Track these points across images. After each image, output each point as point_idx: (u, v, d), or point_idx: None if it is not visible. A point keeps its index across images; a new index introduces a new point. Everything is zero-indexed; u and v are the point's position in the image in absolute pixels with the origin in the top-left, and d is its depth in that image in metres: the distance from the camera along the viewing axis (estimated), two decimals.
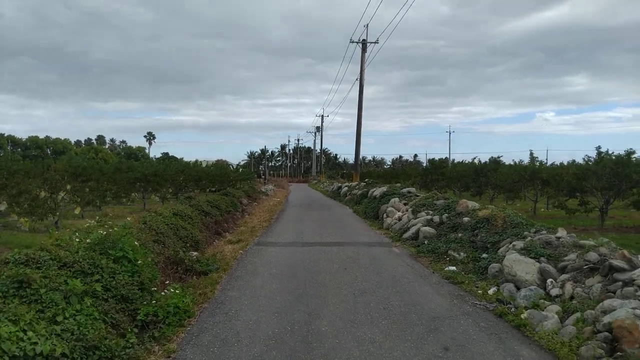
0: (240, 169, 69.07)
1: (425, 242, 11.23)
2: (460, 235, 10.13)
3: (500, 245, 8.78)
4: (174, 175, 33.70)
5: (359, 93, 32.16)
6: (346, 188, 32.05)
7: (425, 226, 12.00)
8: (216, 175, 39.14)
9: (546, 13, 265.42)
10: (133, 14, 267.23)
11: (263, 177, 69.19)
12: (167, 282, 7.13)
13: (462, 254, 9.38)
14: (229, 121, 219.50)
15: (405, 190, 17.35)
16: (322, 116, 73.01)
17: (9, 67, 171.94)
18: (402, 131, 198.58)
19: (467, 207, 11.28)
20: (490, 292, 7.15)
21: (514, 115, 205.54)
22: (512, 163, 28.02)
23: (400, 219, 14.50)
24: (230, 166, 67.84)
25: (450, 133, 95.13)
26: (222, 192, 21.37)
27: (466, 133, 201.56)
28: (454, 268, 8.84)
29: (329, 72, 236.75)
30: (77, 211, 17.97)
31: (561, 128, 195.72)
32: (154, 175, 28.53)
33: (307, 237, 13.17)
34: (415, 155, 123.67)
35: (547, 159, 29.29)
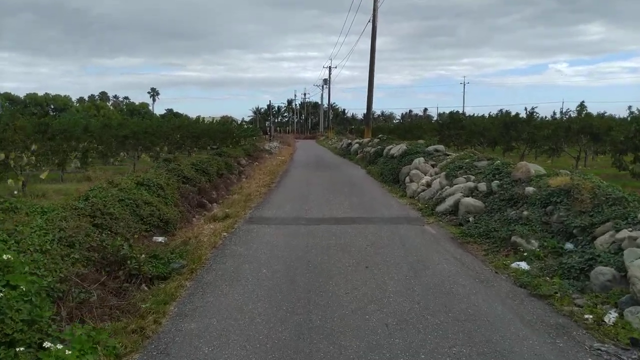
0: (245, 125, 66.03)
1: (470, 219, 8.42)
2: (525, 212, 7.27)
3: (596, 231, 5.95)
4: (170, 132, 30.94)
5: (371, 37, 28.57)
6: (357, 145, 29.07)
7: (467, 197, 9.16)
8: (218, 132, 36.25)
9: None
10: None
11: (269, 133, 66.17)
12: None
13: (533, 241, 6.57)
14: (235, 76, 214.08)
15: (431, 148, 14.39)
16: (330, 67, 68.90)
17: (11, 25, 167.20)
18: (411, 84, 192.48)
19: (528, 172, 8.36)
20: (609, 320, 4.39)
21: (527, 67, 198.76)
22: (539, 116, 24.79)
23: (429, 184, 11.65)
24: (235, 122, 64.75)
25: (464, 84, 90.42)
26: (215, 152, 18.55)
27: (477, 85, 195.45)
28: (524, 265, 6.06)
29: (336, 23, 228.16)
30: (43, 176, 15.36)
31: (574, 79, 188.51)
32: (144, 133, 25.70)
33: (313, 210, 10.41)
34: (425, 109, 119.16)
35: (562, 111, 25.93)
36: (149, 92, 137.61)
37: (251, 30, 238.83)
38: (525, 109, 23.37)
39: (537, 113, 23.41)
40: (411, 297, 5.03)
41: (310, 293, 5.16)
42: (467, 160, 11.30)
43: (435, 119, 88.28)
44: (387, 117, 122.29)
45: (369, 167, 19.92)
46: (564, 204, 6.83)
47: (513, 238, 6.76)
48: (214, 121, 53.30)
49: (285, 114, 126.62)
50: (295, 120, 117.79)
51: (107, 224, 6.72)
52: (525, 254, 6.37)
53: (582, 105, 17.82)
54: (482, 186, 9.17)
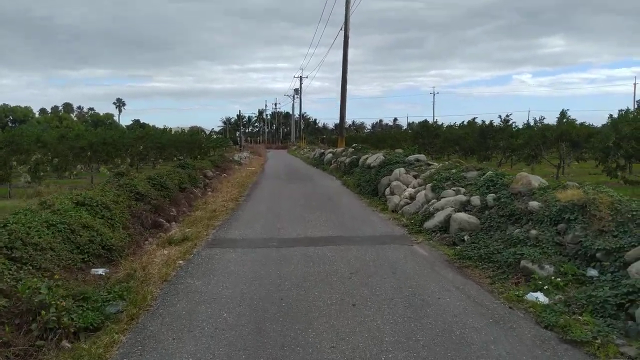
0: (214, 135, 64.28)
1: (465, 238, 7.39)
2: (533, 231, 6.26)
3: (627, 255, 4.97)
4: (132, 143, 29.23)
5: (343, 45, 27.70)
6: (330, 155, 28.03)
7: (460, 212, 8.14)
8: (185, 143, 34.62)
9: None
10: None
11: (239, 144, 64.53)
12: None
13: (546, 266, 5.56)
14: (204, 87, 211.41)
15: (411, 157, 13.41)
16: (301, 77, 68.07)
17: None
18: (381, 95, 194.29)
19: (529, 184, 7.39)
20: None
21: (492, 78, 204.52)
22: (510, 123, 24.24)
23: (412, 197, 10.62)
24: (204, 133, 62.83)
25: (434, 94, 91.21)
26: (178, 164, 17.12)
27: (445, 95, 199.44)
28: (542, 297, 5.02)
29: (306, 36, 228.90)
30: None
31: (537, 90, 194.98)
32: (103, 144, 23.97)
33: (287, 228, 9.20)
34: (395, 119, 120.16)
35: (528, 120, 25.76)
36: (114, 103, 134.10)
37: (220, 42, 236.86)
38: (500, 117, 22.93)
39: (512, 120, 22.93)
40: (415, 351, 3.89)
41: (285, 349, 3.95)
42: (454, 170, 10.33)
43: (405, 128, 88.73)
44: (358, 127, 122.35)
45: (345, 177, 18.85)
46: (579, 222, 5.85)
47: (523, 262, 5.73)
48: (182, 132, 51.46)
49: (256, 124, 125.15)
50: (267, 130, 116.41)
51: (28, 258, 5.36)
52: (539, 282, 5.34)
53: (563, 114, 17.34)
54: (476, 200, 8.17)
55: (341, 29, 27.75)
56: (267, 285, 5.67)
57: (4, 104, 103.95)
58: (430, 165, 12.61)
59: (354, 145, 24.75)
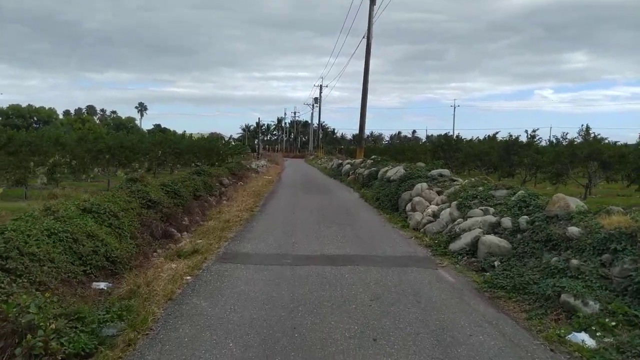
0: (232, 142, 64.41)
1: (496, 263, 6.80)
2: (574, 261, 5.66)
3: None
4: (151, 147, 29.19)
5: (365, 53, 27.31)
6: (348, 166, 27.53)
7: (489, 234, 7.56)
8: (203, 149, 34.51)
9: None
10: None
11: (257, 151, 64.48)
12: None
13: (590, 302, 4.96)
14: (225, 94, 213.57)
15: (435, 172, 12.83)
16: (321, 86, 67.87)
17: (1, 36, 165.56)
18: (400, 106, 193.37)
19: (567, 207, 6.79)
20: None
21: (513, 92, 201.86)
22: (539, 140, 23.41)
23: (435, 215, 10.05)
24: (223, 139, 62.97)
25: (455, 107, 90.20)
26: (194, 170, 16.83)
27: (464, 109, 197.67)
28: (588, 339, 4.44)
29: (327, 45, 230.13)
30: None
31: (559, 105, 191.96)
32: (120, 148, 23.92)
33: (302, 243, 8.71)
34: (414, 131, 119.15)
35: (550, 137, 24.99)
36: (136, 107, 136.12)
37: (242, 49, 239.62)
38: (526, 132, 22.13)
39: (539, 137, 22.13)
40: None
41: None
42: (481, 188, 9.74)
43: (423, 140, 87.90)
44: (376, 138, 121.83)
45: (363, 190, 18.32)
46: (628, 253, 5.25)
47: (563, 297, 5.13)
48: (202, 137, 51.60)
49: (275, 132, 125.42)
50: (285, 138, 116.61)
51: (24, 270, 4.98)
52: (584, 321, 4.74)
53: (587, 130, 16.61)
54: (507, 222, 7.57)
55: (363, 37, 27.40)
56: (279, 309, 5.19)
57: (29, 104, 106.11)
58: (454, 181, 12.02)
59: (372, 156, 24.24)
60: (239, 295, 5.65)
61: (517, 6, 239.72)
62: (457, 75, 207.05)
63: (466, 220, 8.55)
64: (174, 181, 11.59)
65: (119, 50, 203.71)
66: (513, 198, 8.28)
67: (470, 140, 31.50)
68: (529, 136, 22.10)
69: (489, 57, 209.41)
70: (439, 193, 11.28)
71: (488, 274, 6.62)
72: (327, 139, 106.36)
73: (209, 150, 34.34)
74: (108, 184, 20.76)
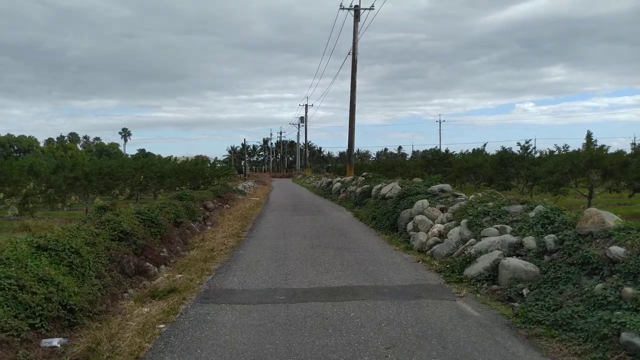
0: (218, 164, 63.30)
1: (524, 291, 5.83)
2: (629, 290, 4.69)
3: None
4: (132, 172, 27.95)
5: (351, 68, 26.66)
6: (338, 184, 26.60)
7: (510, 256, 6.61)
8: (188, 172, 33.33)
9: (523, 5, 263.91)
10: (109, 11, 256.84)
11: (243, 172, 63.35)
12: None
13: None
14: (211, 117, 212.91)
15: (435, 188, 11.91)
16: (306, 105, 67.35)
17: None
18: (384, 124, 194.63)
19: (602, 223, 5.86)
20: None
21: (495, 107, 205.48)
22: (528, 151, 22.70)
23: (442, 234, 9.09)
24: (208, 162, 61.81)
25: (440, 122, 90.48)
26: (175, 195, 15.71)
27: (448, 124, 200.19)
28: None
29: (310, 66, 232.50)
30: None
31: (540, 118, 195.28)
32: (99, 174, 22.68)
33: (296, 274, 7.65)
34: (400, 147, 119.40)
35: (535, 148, 24.53)
36: (120, 133, 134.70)
37: (228, 73, 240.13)
38: (518, 143, 21.48)
39: (533, 147, 21.49)
40: None
41: None
42: (491, 204, 8.82)
43: (409, 156, 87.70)
44: (362, 155, 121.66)
45: (356, 209, 17.34)
46: None
47: (625, 336, 4.16)
48: (187, 161, 50.43)
49: (261, 153, 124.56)
50: (271, 159, 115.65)
51: None
52: None
53: (589, 137, 15.94)
54: (530, 242, 6.63)
55: (349, 54, 26.79)
56: None
57: (9, 133, 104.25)
58: (457, 196, 11.11)
59: (364, 173, 23.36)
60: (223, 349, 4.57)
61: (495, 23, 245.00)
62: (439, 92, 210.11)
63: (480, 240, 7.60)
64: (151, 208, 10.48)
65: (103, 77, 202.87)
66: (532, 214, 7.36)
67: (461, 153, 30.87)
68: (522, 147, 21.47)
69: (469, 73, 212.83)
70: (442, 210, 10.34)
71: (517, 304, 5.63)
72: (314, 158, 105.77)
73: (194, 173, 33.21)
74: (86, 212, 19.50)
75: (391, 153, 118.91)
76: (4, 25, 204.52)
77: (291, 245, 10.61)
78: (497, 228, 7.62)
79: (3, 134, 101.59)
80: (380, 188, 16.90)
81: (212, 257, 9.37)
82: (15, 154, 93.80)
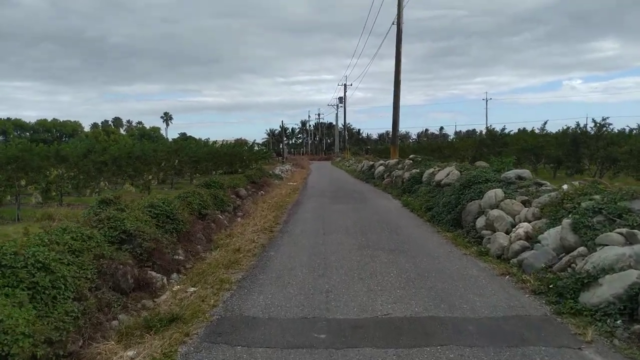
0: (256, 147, 62.20)
1: None
2: None
3: None
4: (166, 156, 26.78)
5: (396, 41, 24.20)
6: (382, 167, 24.47)
7: None
8: (225, 155, 31.97)
9: None
10: None
11: (281, 155, 62.00)
12: None
13: None
14: (250, 100, 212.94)
15: (510, 174, 9.66)
16: (345, 85, 64.85)
17: (32, 55, 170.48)
18: (424, 104, 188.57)
19: None
20: None
21: (541, 84, 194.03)
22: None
23: (531, 237, 6.93)
24: (247, 145, 60.82)
25: (487, 101, 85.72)
26: (203, 182, 14.11)
27: (491, 103, 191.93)
28: None
29: (348, 47, 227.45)
30: None
31: (590, 95, 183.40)
32: (128, 158, 21.49)
33: (340, 292, 5.76)
34: (441, 128, 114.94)
35: (586, 127, 21.26)
36: (161, 117, 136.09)
37: (265, 55, 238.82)
38: (594, 120, 18.58)
39: (610, 125, 18.52)
40: None
41: None
42: (598, 197, 6.59)
43: (451, 137, 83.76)
44: (403, 137, 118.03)
45: (405, 197, 15.25)
46: None
47: None
48: (224, 144, 49.41)
49: (300, 136, 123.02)
50: (309, 141, 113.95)
51: None
52: None
53: None
54: None
55: (393, 23, 24.28)
56: None
57: (54, 118, 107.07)
58: (541, 185, 8.85)
59: (411, 156, 21.11)
60: None
61: None
62: (481, 70, 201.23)
63: (597, 251, 5.44)
64: (167, 200, 8.79)
65: (144, 63, 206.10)
66: None
67: (520, 132, 27.96)
68: (597, 125, 18.55)
69: (513, 50, 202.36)
70: (525, 204, 8.15)
71: None
72: (353, 140, 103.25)
73: (231, 156, 31.85)
74: None
75: (432, 134, 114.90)
76: (50, 16, 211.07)
77: (332, 244, 8.73)
78: (621, 234, 5.44)
79: (45, 119, 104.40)
80: (434, 173, 14.73)
81: (237, 260, 7.63)
82: (64, 139, 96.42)
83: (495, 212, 8.10)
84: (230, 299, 5.69)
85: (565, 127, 21.70)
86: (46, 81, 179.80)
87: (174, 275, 6.93)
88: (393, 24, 24.35)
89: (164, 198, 8.86)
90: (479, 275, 6.41)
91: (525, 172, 9.61)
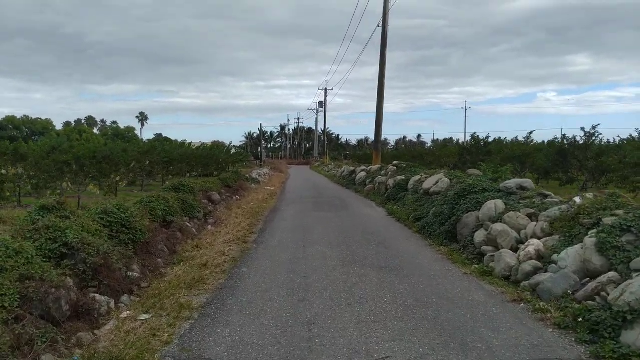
0: (233, 150, 60.79)
1: None
2: None
3: None
4: (136, 157, 25.33)
5: (381, 45, 23.36)
6: (363, 173, 23.58)
7: None
8: (200, 158, 30.61)
9: None
10: None
11: (260, 159, 60.67)
12: None
13: None
14: (228, 103, 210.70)
15: (511, 184, 8.77)
16: (326, 89, 64.01)
17: (5, 49, 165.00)
18: (403, 111, 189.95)
19: None
20: None
21: (517, 96, 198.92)
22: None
23: (543, 257, 6.04)
24: (224, 147, 59.37)
25: (466, 109, 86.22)
26: (170, 186, 12.88)
27: (468, 112, 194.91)
28: None
29: (329, 53, 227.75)
30: None
31: (562, 108, 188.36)
32: (92, 158, 20.00)
33: (324, 324, 4.72)
34: (419, 136, 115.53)
35: (561, 137, 21.20)
36: (137, 117, 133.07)
37: (245, 58, 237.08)
38: (583, 129, 18.07)
39: (599, 134, 18.00)
40: None
41: None
42: (622, 212, 5.73)
43: (429, 145, 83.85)
44: (382, 143, 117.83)
45: (390, 205, 14.32)
46: None
47: None
48: (201, 146, 47.98)
49: (278, 139, 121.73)
50: (288, 145, 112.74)
51: None
52: None
53: None
54: None
55: (378, 25, 23.49)
56: None
57: (25, 115, 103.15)
58: (546, 196, 7.99)
59: (395, 162, 20.22)
60: None
61: (519, 10, 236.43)
62: (460, 80, 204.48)
63: (634, 277, 4.54)
64: (123, 207, 7.59)
65: (122, 62, 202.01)
66: None
67: (503, 141, 27.46)
68: (587, 134, 18.02)
69: (491, 61, 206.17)
70: (530, 217, 7.26)
71: None
72: (332, 145, 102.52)
73: (207, 159, 30.52)
74: (79, 202, 16.88)
75: (410, 141, 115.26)
76: (26, 10, 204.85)
77: (313, 259, 7.69)
78: None
79: (14, 116, 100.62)
80: (420, 180, 13.86)
81: (202, 278, 6.52)
82: (31, 137, 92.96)
83: (498, 227, 7.18)
84: (189, 333, 4.58)
85: (553, 138, 21.20)
86: (19, 77, 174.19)
87: (125, 298, 5.77)
88: (378, 26, 23.57)
89: (119, 204, 7.66)
90: (487, 302, 5.45)
91: (527, 182, 8.76)
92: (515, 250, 6.64)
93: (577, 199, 6.83)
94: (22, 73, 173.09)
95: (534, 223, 6.99)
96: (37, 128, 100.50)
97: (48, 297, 4.66)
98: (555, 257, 5.81)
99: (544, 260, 5.99)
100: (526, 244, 6.40)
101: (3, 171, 16.92)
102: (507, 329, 4.61)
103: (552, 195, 8.04)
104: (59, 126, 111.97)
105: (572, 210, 6.51)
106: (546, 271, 5.75)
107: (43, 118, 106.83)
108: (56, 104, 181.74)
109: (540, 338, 4.39)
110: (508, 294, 5.69)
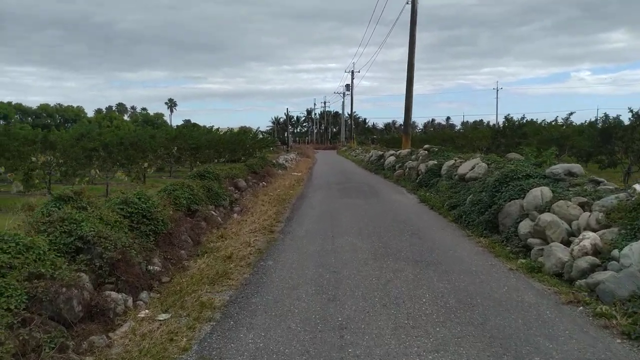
0: (260, 135, 60.66)
1: None
2: None
3: None
4: (164, 144, 25.37)
5: (410, 22, 22.43)
6: (393, 158, 22.87)
7: None
8: (227, 143, 30.46)
9: None
10: None
11: (286, 144, 60.43)
12: None
13: None
14: (255, 88, 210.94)
15: (557, 169, 8.05)
16: (353, 71, 62.86)
17: (38, 40, 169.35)
18: (431, 93, 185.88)
19: None
20: None
21: (548, 75, 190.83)
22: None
23: (600, 251, 5.39)
24: (251, 132, 59.31)
25: (497, 90, 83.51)
26: (196, 173, 12.57)
27: (499, 93, 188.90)
28: None
29: (355, 35, 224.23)
30: None
31: (597, 88, 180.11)
32: (120, 145, 20.01)
33: (358, 332, 4.25)
34: (448, 118, 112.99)
35: (603, 117, 19.71)
36: (166, 103, 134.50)
37: (271, 43, 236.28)
38: (630, 110, 16.89)
39: None
40: None
41: None
42: None
43: (458, 127, 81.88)
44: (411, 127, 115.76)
45: (422, 192, 13.69)
46: None
47: None
48: (228, 132, 47.99)
49: (305, 124, 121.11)
50: (315, 130, 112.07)
51: None
52: None
53: None
54: None
55: (407, 2, 22.47)
56: None
57: (57, 103, 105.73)
58: (598, 183, 7.27)
59: (426, 146, 19.47)
60: None
61: None
62: (489, 60, 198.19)
63: None
64: (143, 196, 7.25)
65: (150, 49, 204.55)
66: None
67: (540, 123, 26.23)
68: (635, 115, 16.84)
69: (522, 40, 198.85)
70: (582, 206, 6.57)
71: None
72: (359, 129, 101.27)
73: (234, 144, 30.34)
74: (107, 189, 16.87)
75: (439, 124, 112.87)
76: (58, 0, 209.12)
77: (343, 251, 7.21)
78: None
79: (48, 104, 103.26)
80: (455, 165, 13.17)
81: (226, 272, 6.14)
82: (63, 124, 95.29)
83: (547, 217, 6.53)
84: (209, 337, 4.19)
85: (592, 119, 20.04)
86: (52, 66, 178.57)
87: (144, 294, 5.44)
88: (407, 3, 22.56)
89: (140, 193, 7.32)
90: (540, 304, 4.87)
91: (576, 167, 8.01)
92: (566, 243, 6.00)
93: (638, 187, 6.11)
94: (54, 62, 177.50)
95: (587, 213, 6.31)
96: (70, 115, 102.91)
97: (59, 297, 4.33)
98: (616, 252, 5.16)
99: (602, 255, 5.34)
100: (580, 237, 5.75)
101: (33, 159, 17.03)
102: (566, 338, 4.04)
103: (605, 181, 7.30)
104: (90, 113, 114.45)
105: (633, 199, 5.81)
106: (605, 269, 5.12)
107: (75, 106, 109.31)
108: (88, 91, 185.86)
109: (608, 350, 3.81)
110: (562, 294, 5.08)
